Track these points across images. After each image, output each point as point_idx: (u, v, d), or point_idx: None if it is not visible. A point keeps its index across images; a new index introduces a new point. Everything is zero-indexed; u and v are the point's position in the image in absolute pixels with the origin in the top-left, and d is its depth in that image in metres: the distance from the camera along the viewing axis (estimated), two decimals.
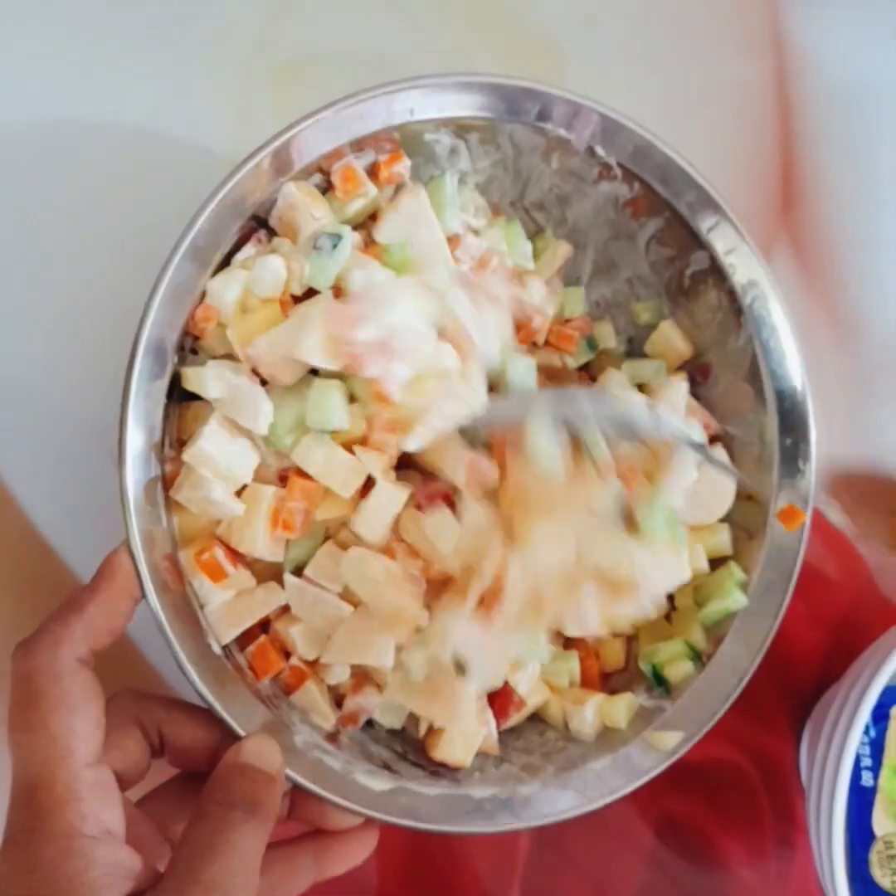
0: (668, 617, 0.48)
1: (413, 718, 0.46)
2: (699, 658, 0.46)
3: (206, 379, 0.40)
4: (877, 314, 0.56)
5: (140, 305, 0.39)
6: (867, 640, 0.51)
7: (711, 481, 0.45)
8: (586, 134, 0.44)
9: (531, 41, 0.54)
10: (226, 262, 0.42)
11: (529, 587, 0.40)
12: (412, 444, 0.41)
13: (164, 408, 0.40)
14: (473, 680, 0.42)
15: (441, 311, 0.42)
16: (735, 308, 0.46)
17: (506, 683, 0.45)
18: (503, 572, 0.40)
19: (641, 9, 0.55)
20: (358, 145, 0.42)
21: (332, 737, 0.44)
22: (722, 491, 0.46)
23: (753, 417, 0.47)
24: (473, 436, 0.42)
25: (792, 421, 0.46)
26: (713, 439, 0.48)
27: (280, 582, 0.43)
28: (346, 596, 0.42)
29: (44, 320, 0.50)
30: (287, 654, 0.44)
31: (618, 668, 0.48)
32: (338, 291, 0.41)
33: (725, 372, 0.48)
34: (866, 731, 0.47)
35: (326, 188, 0.43)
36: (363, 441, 0.41)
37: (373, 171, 0.44)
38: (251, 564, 0.42)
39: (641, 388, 0.48)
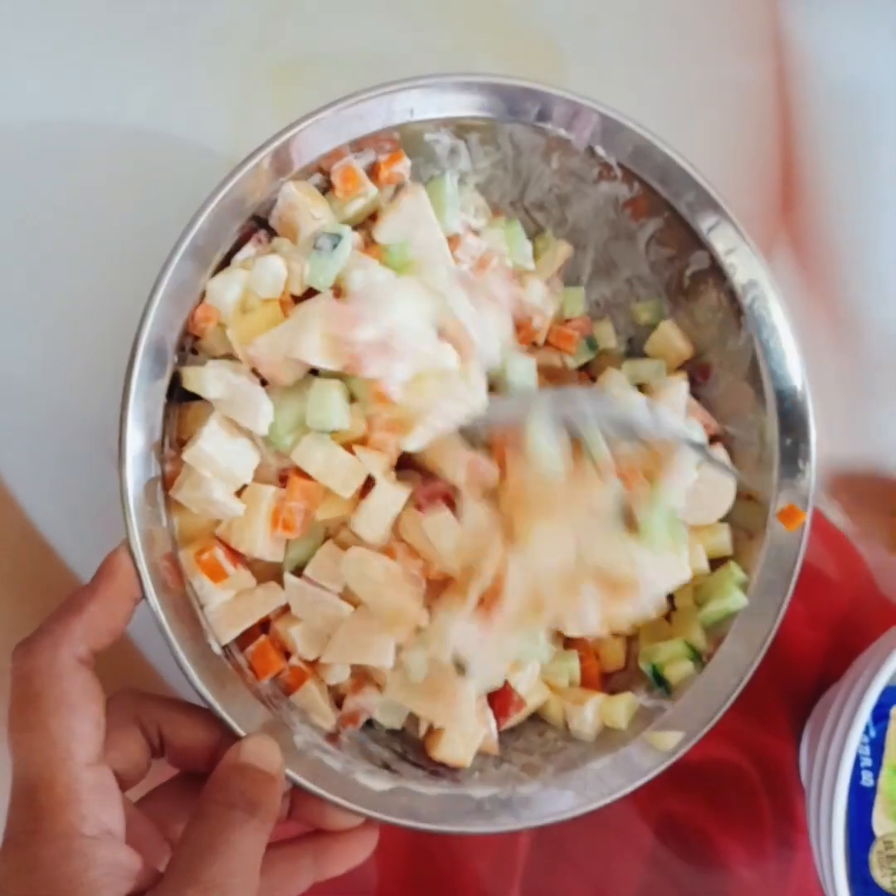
0: (668, 617, 0.48)
1: (413, 718, 0.46)
2: (699, 658, 0.46)
3: (206, 379, 0.40)
4: (877, 314, 0.56)
5: (140, 305, 0.39)
6: (867, 640, 0.51)
7: (711, 481, 0.45)
8: (586, 134, 0.44)
9: (531, 41, 0.54)
10: (226, 262, 0.42)
11: (529, 587, 0.40)
12: (412, 444, 0.41)
13: (164, 408, 0.40)
14: (473, 680, 0.42)
15: (441, 311, 0.42)
16: (735, 308, 0.46)
17: (506, 683, 0.45)
18: (503, 572, 0.40)
19: (641, 9, 0.55)
20: (358, 145, 0.42)
21: (332, 737, 0.44)
22: (722, 491, 0.46)
23: (753, 417, 0.47)
24: (473, 436, 0.42)
25: (792, 421, 0.46)
26: (713, 439, 0.48)
27: (280, 582, 0.43)
28: (346, 596, 0.42)
29: (44, 320, 0.50)
30: (287, 654, 0.44)
31: (618, 668, 0.48)
32: (338, 291, 0.41)
33: (725, 372, 0.48)
34: (866, 731, 0.47)
35: (326, 188, 0.43)
36: (363, 441, 0.41)
37: (373, 171, 0.44)
38: (251, 564, 0.42)
39: (641, 388, 0.48)
